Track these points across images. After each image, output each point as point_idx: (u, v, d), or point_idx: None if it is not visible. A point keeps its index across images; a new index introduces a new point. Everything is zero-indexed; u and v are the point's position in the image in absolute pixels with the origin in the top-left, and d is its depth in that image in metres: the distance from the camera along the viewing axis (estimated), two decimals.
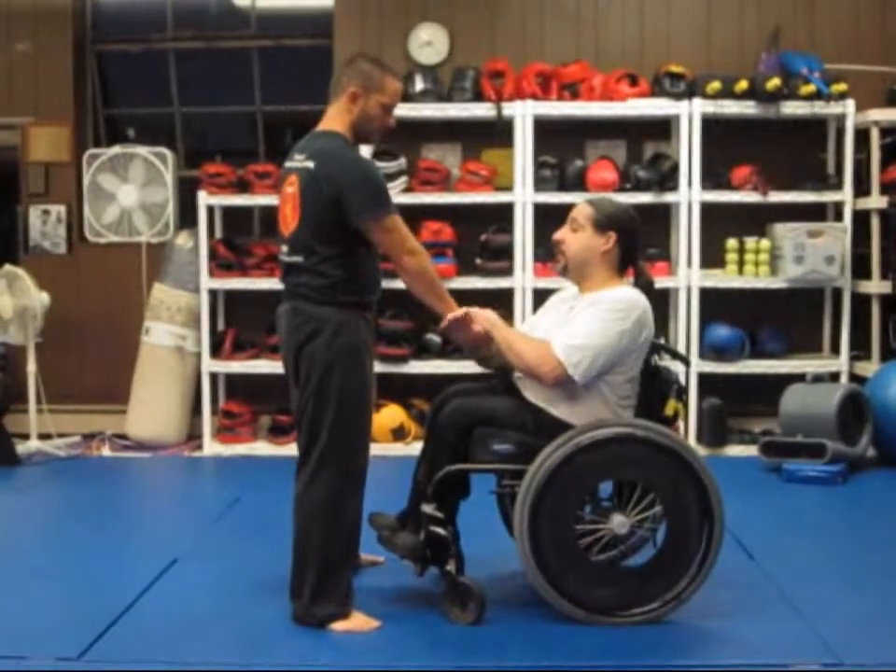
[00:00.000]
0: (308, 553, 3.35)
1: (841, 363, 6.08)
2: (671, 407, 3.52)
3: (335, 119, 3.46)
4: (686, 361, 3.98)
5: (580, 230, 3.50)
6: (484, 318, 3.47)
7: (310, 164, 3.34)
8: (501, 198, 6.07)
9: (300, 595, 3.36)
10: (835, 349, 6.21)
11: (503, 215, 6.07)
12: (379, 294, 3.54)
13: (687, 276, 6.01)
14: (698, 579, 3.36)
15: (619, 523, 3.36)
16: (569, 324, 3.40)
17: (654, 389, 3.50)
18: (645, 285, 3.57)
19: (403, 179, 6.08)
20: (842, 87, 5.99)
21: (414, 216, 5.43)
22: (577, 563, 3.35)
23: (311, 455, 3.35)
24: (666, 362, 3.70)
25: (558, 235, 3.56)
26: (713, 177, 6.10)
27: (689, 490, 3.34)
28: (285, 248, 3.44)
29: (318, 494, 3.33)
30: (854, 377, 6.07)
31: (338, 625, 3.33)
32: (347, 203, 3.28)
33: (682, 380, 3.85)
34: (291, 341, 3.39)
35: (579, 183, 6.04)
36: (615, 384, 3.41)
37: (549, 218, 5.78)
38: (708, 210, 6.02)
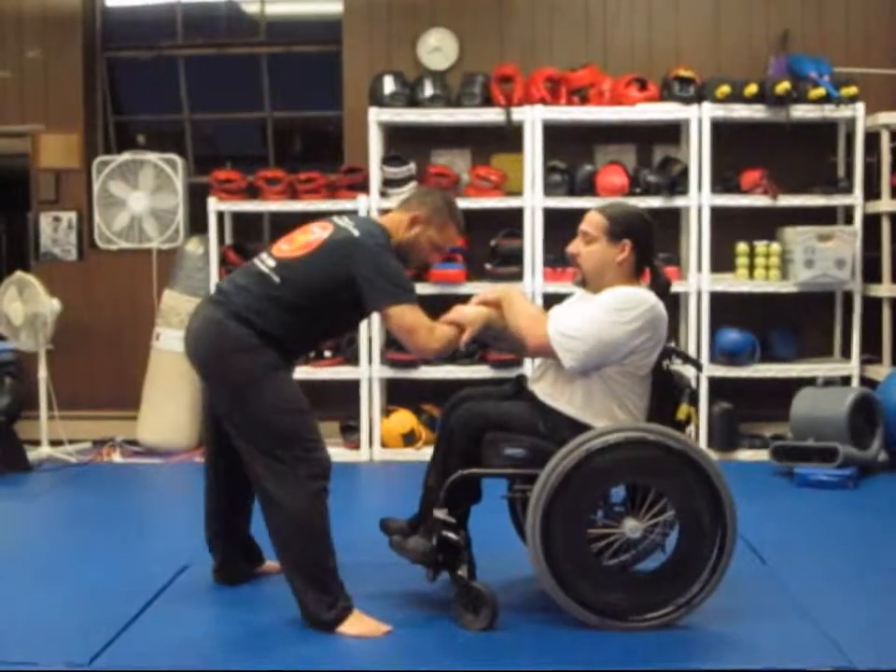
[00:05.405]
0: (294, 560, 3.36)
1: (852, 367, 6.06)
2: (683, 411, 3.50)
3: (392, 222, 3.57)
4: (698, 366, 3.96)
5: (593, 241, 3.48)
6: (498, 296, 3.57)
7: (354, 232, 3.42)
8: (511, 203, 6.07)
9: (303, 604, 3.36)
10: (846, 353, 6.20)
11: (513, 220, 6.07)
12: (302, 360, 3.58)
13: (697, 281, 6.00)
14: (711, 583, 3.35)
15: (631, 527, 3.36)
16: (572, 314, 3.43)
17: (667, 393, 3.49)
18: (662, 287, 3.56)
19: (412, 185, 6.08)
20: (852, 90, 5.98)
21: None
22: (589, 567, 3.34)
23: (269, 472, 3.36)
24: (678, 366, 3.68)
25: (572, 249, 3.54)
26: (723, 181, 6.09)
27: (702, 495, 3.33)
28: (271, 262, 3.45)
29: (287, 501, 3.34)
30: (865, 381, 6.05)
31: (348, 630, 3.32)
32: (360, 287, 3.36)
33: (693, 384, 3.83)
34: (201, 353, 3.46)
35: (588, 188, 6.04)
36: (626, 382, 3.40)
37: (559, 223, 5.80)
38: (718, 214, 6.01)
